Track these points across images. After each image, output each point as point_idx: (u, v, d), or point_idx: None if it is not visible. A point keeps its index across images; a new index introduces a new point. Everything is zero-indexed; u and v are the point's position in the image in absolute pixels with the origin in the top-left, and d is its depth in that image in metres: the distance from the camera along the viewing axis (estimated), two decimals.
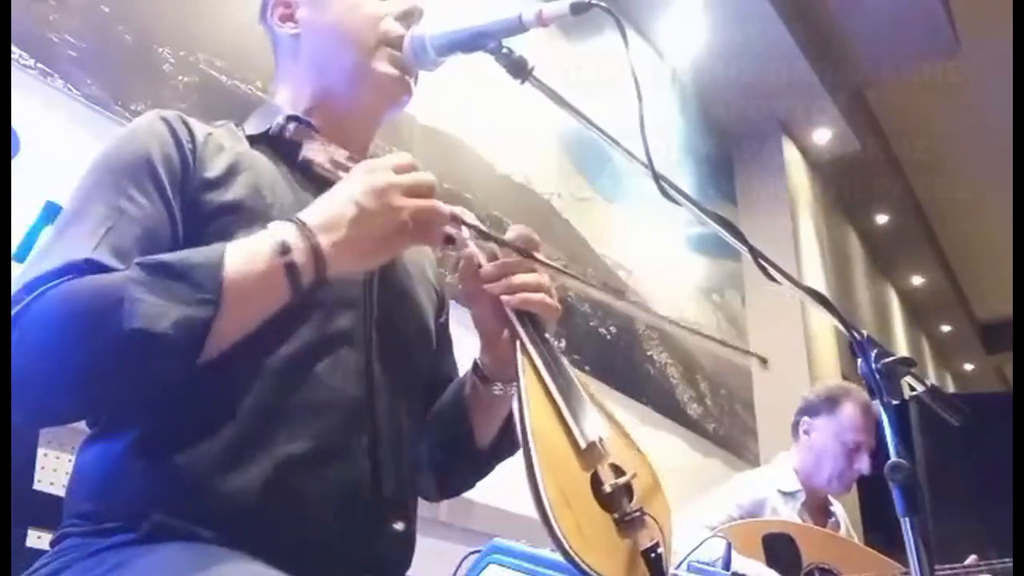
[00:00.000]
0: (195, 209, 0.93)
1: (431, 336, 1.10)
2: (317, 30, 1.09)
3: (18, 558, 0.94)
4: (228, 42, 2.24)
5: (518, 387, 0.96)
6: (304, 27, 1.09)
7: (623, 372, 3.72)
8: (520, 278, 1.03)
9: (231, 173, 0.96)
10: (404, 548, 0.98)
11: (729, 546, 2.05)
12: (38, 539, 1.17)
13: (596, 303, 3.73)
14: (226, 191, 0.95)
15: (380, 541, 0.93)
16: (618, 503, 0.92)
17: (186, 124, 0.98)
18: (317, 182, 1.02)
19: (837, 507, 2.56)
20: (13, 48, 1.78)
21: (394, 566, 0.96)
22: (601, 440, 0.95)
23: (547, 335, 1.01)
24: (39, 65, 1.85)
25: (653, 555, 0.90)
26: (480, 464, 1.12)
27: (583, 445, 0.93)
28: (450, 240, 1.04)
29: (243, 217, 0.94)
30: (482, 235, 1.05)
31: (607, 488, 0.92)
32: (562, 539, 0.84)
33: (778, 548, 2.21)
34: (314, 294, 0.92)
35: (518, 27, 1.00)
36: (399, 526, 0.96)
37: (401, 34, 1.05)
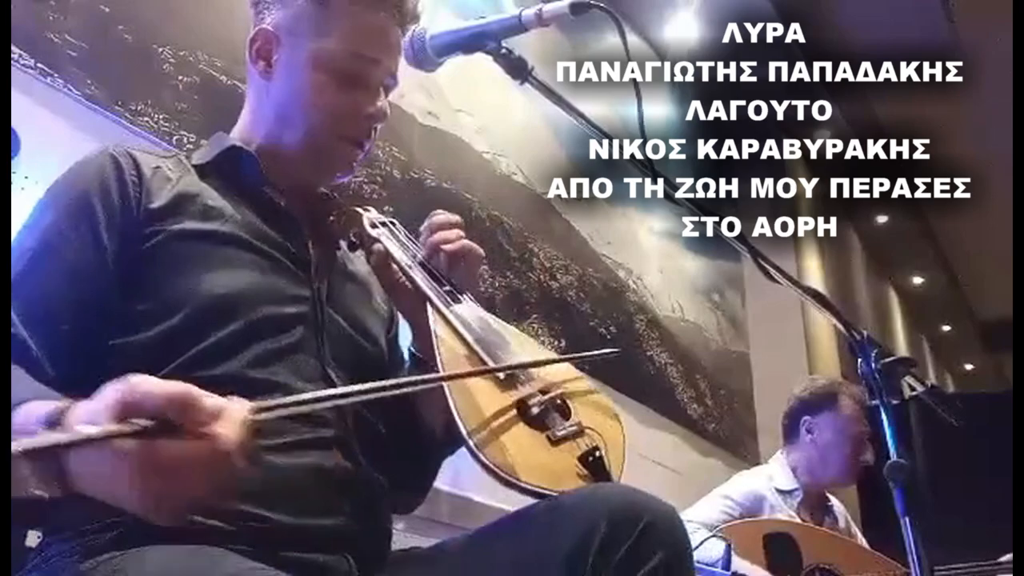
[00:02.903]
0: (141, 240, 0.96)
1: (382, 350, 1.12)
2: (285, 89, 1.09)
3: (18, 558, 0.94)
4: (228, 42, 2.24)
5: (431, 343, 1.01)
6: (276, 74, 1.09)
7: (623, 372, 3.72)
8: (442, 234, 1.10)
9: (179, 202, 0.99)
10: (384, 540, 1.00)
11: (729, 546, 2.05)
12: (38, 539, 1.16)
13: (596, 303, 3.73)
14: (174, 220, 0.98)
15: (362, 528, 0.94)
16: (549, 421, 0.95)
17: (133, 159, 1.01)
18: (265, 207, 1.05)
19: (836, 504, 2.56)
20: (13, 48, 1.78)
21: (371, 560, 0.96)
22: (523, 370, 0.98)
23: (461, 291, 1.07)
24: (39, 65, 1.85)
25: (591, 459, 0.92)
26: (435, 453, 1.13)
27: (501, 376, 0.97)
28: (361, 244, 1.12)
29: (194, 242, 0.97)
30: (382, 224, 1.13)
31: (534, 409, 0.94)
32: (487, 462, 0.87)
33: (779, 548, 2.21)
34: (262, 313, 0.95)
35: (518, 27, 1.00)
36: (379, 516, 0.98)
37: (362, 141, 1.08)
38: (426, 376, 0.95)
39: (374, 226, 1.12)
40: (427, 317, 1.04)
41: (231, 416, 0.64)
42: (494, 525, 0.93)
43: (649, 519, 0.81)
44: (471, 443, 0.88)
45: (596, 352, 1.07)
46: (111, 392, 0.63)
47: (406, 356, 1.15)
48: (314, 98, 1.07)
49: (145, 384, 0.63)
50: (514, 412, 0.94)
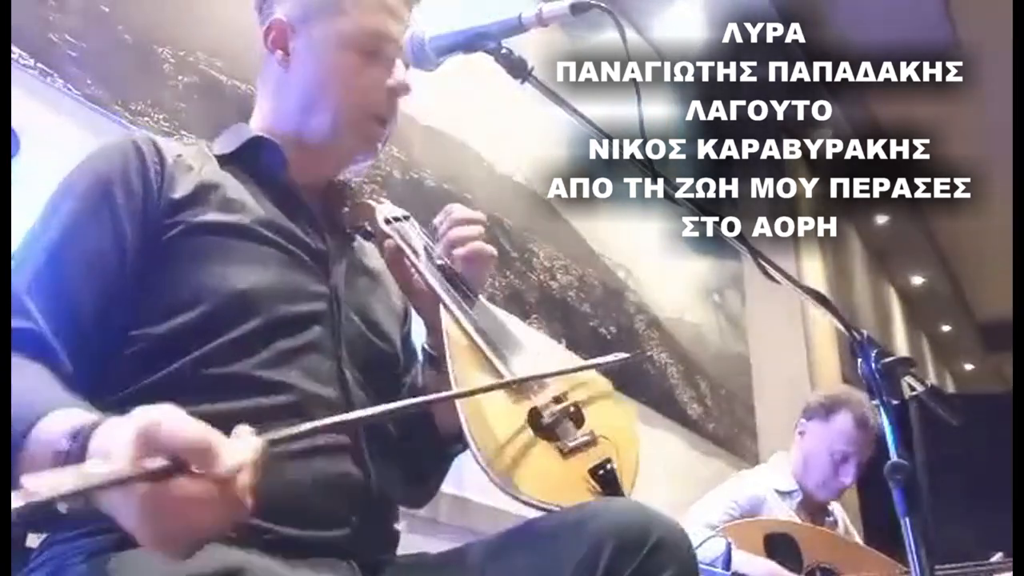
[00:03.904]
0: (162, 230, 0.95)
1: (396, 345, 1.12)
2: (307, 74, 1.09)
3: (18, 558, 0.94)
4: (228, 42, 2.24)
5: (444, 342, 1.00)
6: (295, 63, 1.09)
7: (623, 372, 3.72)
8: (460, 231, 1.10)
9: (200, 193, 0.98)
10: (391, 544, 0.99)
11: (729, 545, 2.05)
12: (38, 539, 1.16)
13: (596, 303, 3.73)
14: (196, 211, 0.97)
15: (368, 536, 0.93)
16: (561, 431, 0.94)
17: (156, 147, 0.99)
18: (286, 199, 1.05)
19: (835, 506, 2.56)
20: (13, 48, 1.78)
21: (376, 565, 0.96)
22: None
23: (475, 292, 1.06)
24: (39, 65, 1.85)
25: (602, 471, 0.92)
26: (447, 451, 1.12)
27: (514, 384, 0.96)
28: (374, 237, 1.10)
29: (214, 235, 0.96)
30: (396, 220, 1.11)
31: (546, 419, 0.93)
32: (495, 477, 0.87)
33: (779, 548, 2.21)
34: (279, 311, 0.94)
35: (518, 27, 1.01)
36: (386, 523, 0.97)
37: (386, 118, 1.08)
38: (434, 396, 0.94)
39: (388, 221, 1.10)
40: (439, 310, 1.03)
41: (248, 460, 0.63)
42: (503, 536, 0.91)
43: (659, 537, 0.80)
44: (480, 459, 0.88)
45: (611, 357, 1.05)
46: (133, 425, 0.62)
47: (419, 353, 1.14)
48: (339, 77, 1.07)
49: (168, 424, 0.62)
50: (525, 423, 0.93)
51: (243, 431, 0.66)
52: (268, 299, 0.95)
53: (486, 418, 0.91)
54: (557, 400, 0.96)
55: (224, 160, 1.05)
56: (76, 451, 0.67)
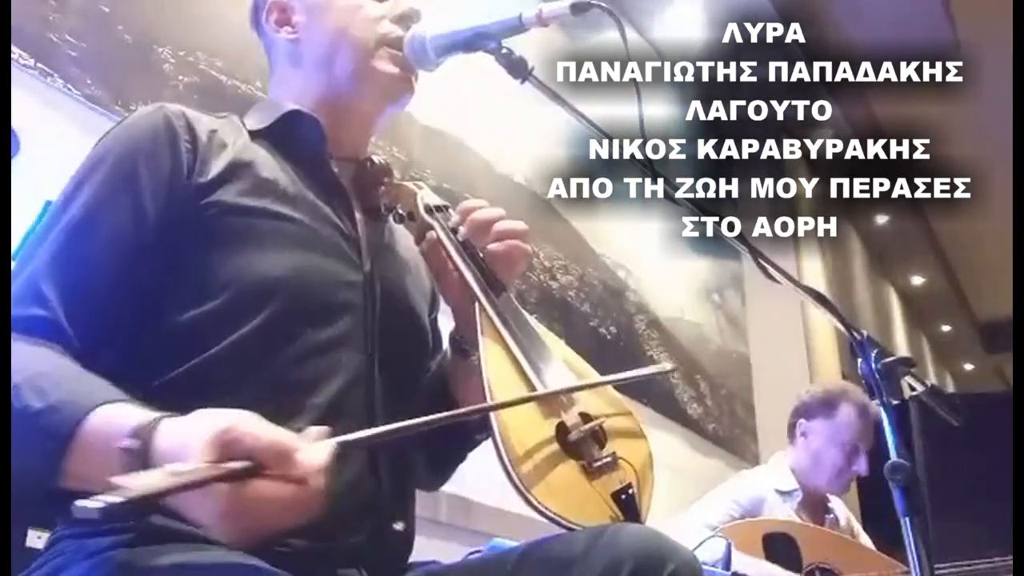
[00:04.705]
0: (192, 210, 0.92)
1: (427, 335, 1.11)
2: (316, 35, 1.08)
3: (18, 558, 0.94)
4: (228, 42, 2.24)
5: (478, 345, 0.98)
6: (303, 32, 1.09)
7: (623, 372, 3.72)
8: (503, 225, 1.06)
9: (232, 171, 0.96)
10: (404, 547, 0.99)
11: (729, 546, 2.05)
12: (38, 539, 1.16)
13: (596, 303, 3.73)
14: (228, 191, 0.94)
15: (380, 541, 0.93)
16: (586, 450, 0.93)
17: (188, 121, 0.96)
18: (321, 177, 1.03)
19: (836, 503, 2.56)
20: (13, 48, 1.78)
21: (394, 566, 0.96)
22: None
23: (507, 292, 1.04)
24: (39, 65, 1.85)
25: (624, 496, 0.92)
26: (469, 438, 1.11)
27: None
28: (411, 219, 1.07)
29: (247, 217, 0.94)
30: (438, 210, 1.07)
31: (573, 436, 0.93)
32: (521, 487, 0.86)
33: (778, 548, 2.21)
34: (309, 300, 0.93)
35: (518, 27, 1.00)
36: (399, 526, 0.96)
37: (400, 35, 1.06)
38: (486, 404, 0.93)
39: (429, 211, 1.07)
40: (473, 309, 1.02)
41: (320, 462, 0.66)
42: (518, 554, 0.89)
43: (676, 567, 0.80)
44: (507, 462, 0.87)
45: (649, 369, 1.05)
46: (206, 425, 0.65)
47: (447, 340, 1.12)
48: (348, 17, 1.07)
49: (244, 427, 0.65)
50: (553, 437, 0.92)
51: (312, 433, 0.68)
52: (297, 286, 0.92)
53: (515, 424, 0.90)
54: (584, 418, 0.95)
55: (257, 135, 1.03)
56: (141, 449, 0.67)
